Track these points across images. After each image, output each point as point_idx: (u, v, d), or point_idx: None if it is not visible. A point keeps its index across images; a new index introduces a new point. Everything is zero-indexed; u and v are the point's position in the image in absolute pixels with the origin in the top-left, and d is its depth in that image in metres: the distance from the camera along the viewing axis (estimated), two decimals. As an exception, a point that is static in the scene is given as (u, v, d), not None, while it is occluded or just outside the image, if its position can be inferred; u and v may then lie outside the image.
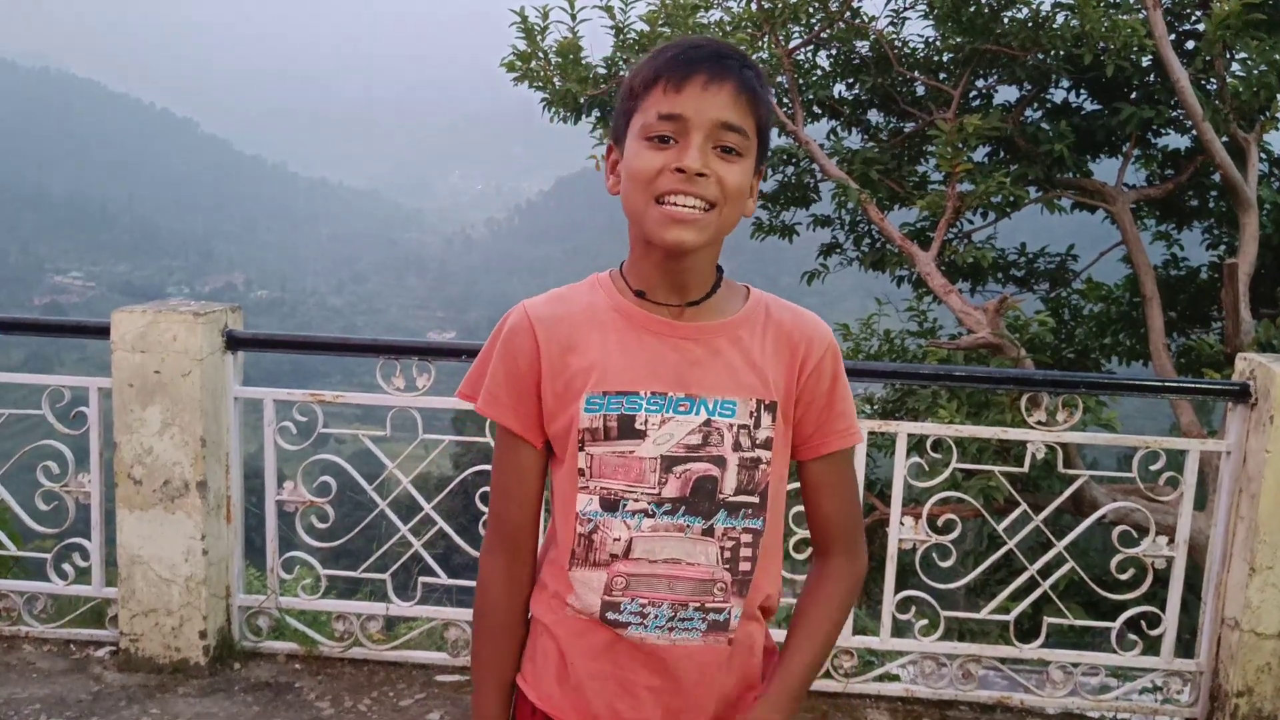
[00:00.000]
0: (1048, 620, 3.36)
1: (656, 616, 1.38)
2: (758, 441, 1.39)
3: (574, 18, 7.11)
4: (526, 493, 1.45)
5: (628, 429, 1.37)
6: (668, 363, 1.39)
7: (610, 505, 1.38)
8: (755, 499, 1.39)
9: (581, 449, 1.38)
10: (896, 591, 3.33)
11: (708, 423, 1.37)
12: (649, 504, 1.37)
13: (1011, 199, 7.05)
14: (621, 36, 7.36)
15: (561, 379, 1.39)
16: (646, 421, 1.37)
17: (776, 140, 8.15)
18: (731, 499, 1.38)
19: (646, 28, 7.14)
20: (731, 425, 1.38)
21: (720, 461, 1.37)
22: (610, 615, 1.39)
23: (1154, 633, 3.30)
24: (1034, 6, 6.90)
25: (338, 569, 3.55)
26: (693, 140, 1.32)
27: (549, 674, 1.45)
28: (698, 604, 1.38)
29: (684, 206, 1.32)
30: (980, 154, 7.52)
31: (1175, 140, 7.70)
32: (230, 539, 3.41)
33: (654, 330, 1.39)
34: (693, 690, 1.41)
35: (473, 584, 3.51)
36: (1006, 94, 7.88)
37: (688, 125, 1.32)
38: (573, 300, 1.43)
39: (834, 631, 1.48)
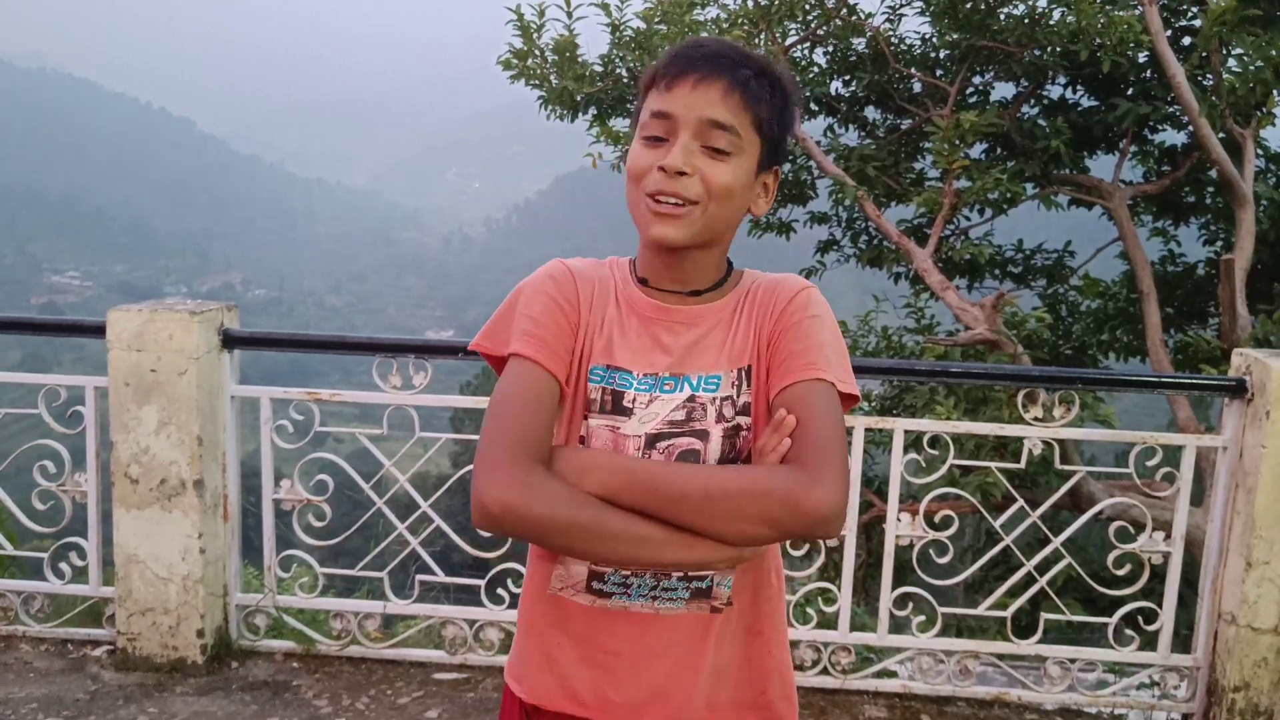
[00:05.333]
0: (1045, 616, 3.37)
1: (639, 586, 1.40)
2: (739, 409, 1.41)
3: (570, 15, 7.11)
4: (550, 421, 1.36)
5: (617, 405, 1.40)
6: (661, 347, 1.42)
7: None
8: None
9: (586, 418, 1.41)
10: (894, 588, 3.34)
11: (691, 398, 1.40)
12: None
13: (1008, 195, 7.06)
14: (618, 34, 7.36)
15: (584, 334, 1.42)
16: (634, 400, 1.40)
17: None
18: None
19: (643, 25, 7.14)
20: (715, 399, 1.40)
21: (703, 435, 1.39)
22: (595, 584, 1.41)
23: (1151, 628, 3.30)
24: (1030, 3, 6.91)
25: (335, 567, 3.54)
26: (679, 139, 1.35)
27: (535, 665, 1.46)
28: (680, 573, 1.38)
29: (666, 203, 1.36)
30: (977, 150, 7.52)
31: (1172, 136, 7.71)
32: (227, 538, 3.41)
33: (651, 316, 1.44)
34: (680, 659, 1.40)
35: (470, 581, 3.52)
36: (1003, 90, 7.89)
37: (676, 124, 1.35)
38: (595, 270, 1.48)
39: (728, 483, 1.27)
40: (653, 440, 1.39)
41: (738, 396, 1.40)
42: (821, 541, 3.35)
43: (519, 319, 1.40)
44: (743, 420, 1.40)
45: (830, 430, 1.31)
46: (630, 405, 1.39)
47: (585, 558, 1.37)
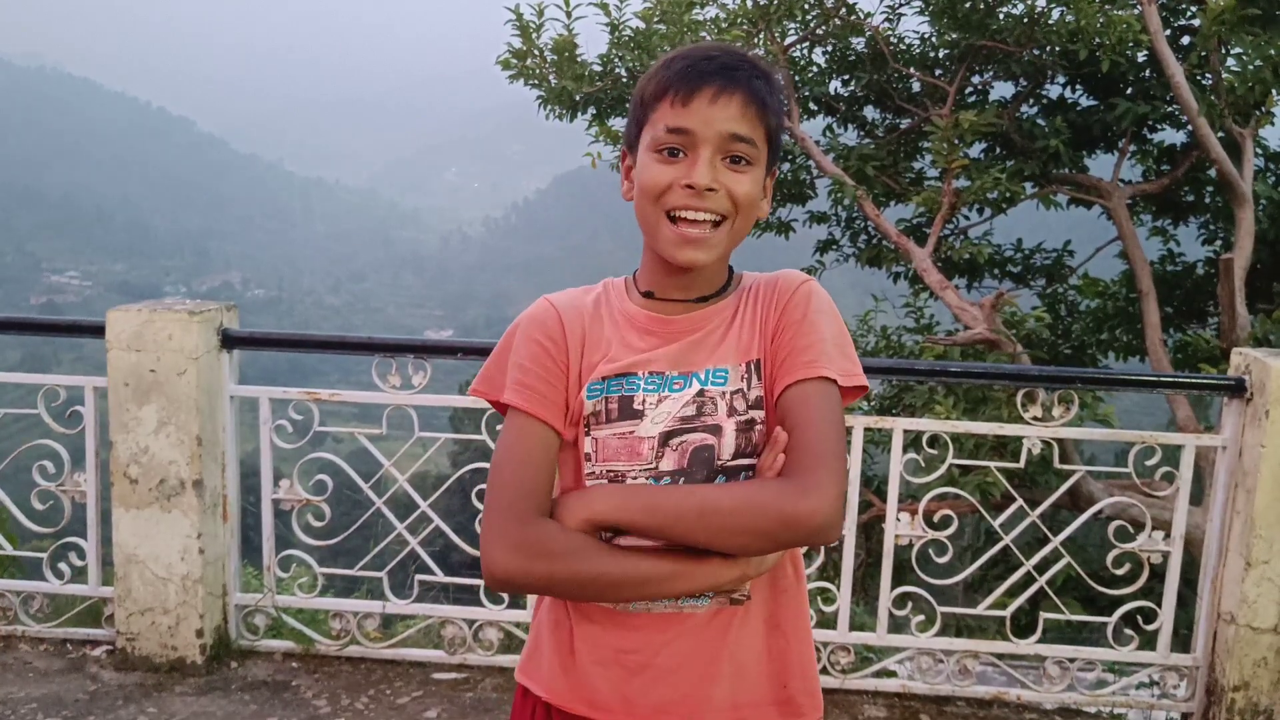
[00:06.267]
0: (1044, 616, 3.37)
1: None
2: (751, 402, 1.40)
3: (569, 15, 7.11)
4: (549, 475, 1.41)
5: (627, 409, 1.40)
6: (665, 350, 1.42)
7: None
8: (754, 460, 1.39)
9: (588, 433, 1.41)
10: (893, 588, 3.34)
11: (701, 393, 1.39)
12: (647, 479, 1.38)
13: (1007, 195, 7.06)
14: (617, 34, 7.36)
15: (578, 367, 1.42)
16: (644, 401, 1.40)
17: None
18: (730, 464, 1.38)
19: (642, 25, 7.14)
20: (724, 393, 1.40)
21: (715, 430, 1.38)
22: None
23: (1150, 627, 3.31)
24: (1029, 2, 6.90)
25: (335, 567, 3.54)
26: (701, 155, 1.34)
27: (554, 665, 1.44)
28: None
29: (694, 222, 1.36)
30: (976, 150, 7.53)
31: (1171, 135, 7.71)
32: (226, 538, 3.41)
33: (653, 329, 1.43)
34: (700, 657, 1.39)
35: (469, 581, 3.52)
36: (1002, 90, 7.89)
37: (696, 139, 1.34)
38: (586, 298, 1.48)
39: (721, 500, 1.29)
40: (666, 438, 1.38)
41: (748, 390, 1.40)
42: (821, 541, 3.34)
43: (511, 367, 1.42)
44: (756, 414, 1.39)
45: (825, 435, 1.32)
46: (641, 407, 1.39)
47: (595, 602, 1.40)
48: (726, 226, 1.37)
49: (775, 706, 1.43)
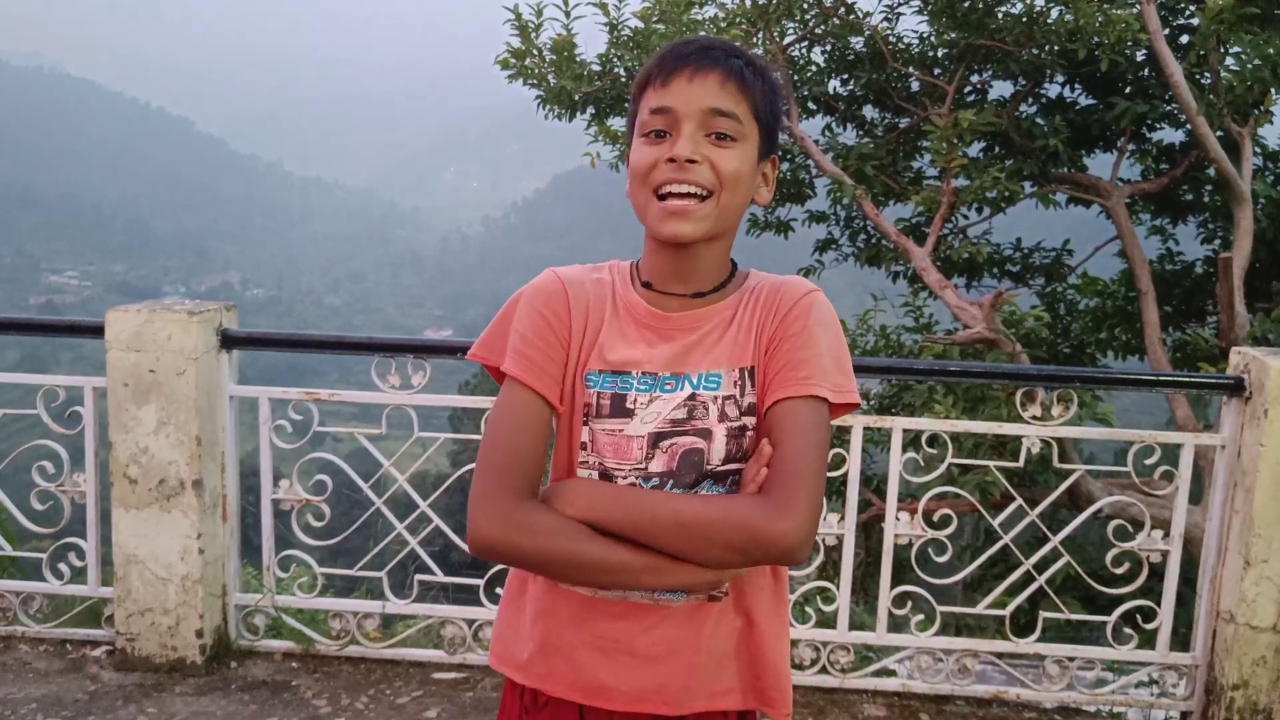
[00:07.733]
0: (1044, 615, 3.37)
1: None
2: (743, 409, 1.40)
3: (568, 15, 7.11)
4: (542, 446, 1.42)
5: (619, 407, 1.41)
6: (660, 350, 1.42)
7: (606, 479, 1.41)
8: (744, 466, 1.40)
9: (585, 423, 1.42)
10: (893, 587, 3.34)
11: (692, 397, 1.40)
12: (637, 479, 1.40)
13: (1006, 194, 7.06)
14: (616, 33, 7.36)
15: (578, 345, 1.43)
16: (635, 400, 1.41)
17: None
18: (719, 469, 1.39)
19: (640, 24, 7.14)
20: (717, 397, 1.40)
21: (706, 434, 1.39)
22: None
23: (1149, 626, 3.31)
24: (1028, 1, 6.90)
25: (334, 567, 3.54)
26: (683, 131, 1.36)
27: (533, 648, 1.46)
28: None
29: (680, 195, 1.36)
30: (975, 149, 7.53)
31: (1170, 135, 7.72)
32: (226, 538, 3.41)
33: (650, 324, 1.44)
34: (681, 647, 1.41)
35: (469, 581, 3.53)
36: (1001, 89, 7.89)
37: (678, 117, 1.37)
38: (592, 277, 1.49)
39: (697, 512, 1.29)
40: (656, 440, 1.39)
41: (741, 396, 1.40)
42: (820, 540, 3.35)
43: (512, 335, 1.43)
44: (749, 420, 1.40)
45: (807, 455, 1.32)
46: (633, 406, 1.40)
47: (571, 583, 1.42)
48: (713, 201, 1.37)
49: (744, 694, 1.46)
